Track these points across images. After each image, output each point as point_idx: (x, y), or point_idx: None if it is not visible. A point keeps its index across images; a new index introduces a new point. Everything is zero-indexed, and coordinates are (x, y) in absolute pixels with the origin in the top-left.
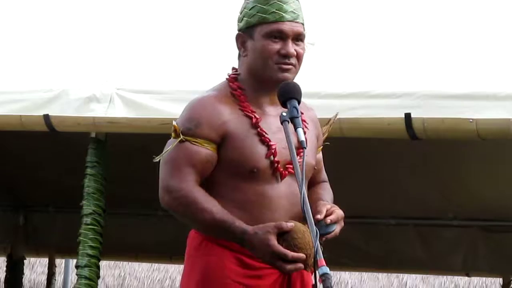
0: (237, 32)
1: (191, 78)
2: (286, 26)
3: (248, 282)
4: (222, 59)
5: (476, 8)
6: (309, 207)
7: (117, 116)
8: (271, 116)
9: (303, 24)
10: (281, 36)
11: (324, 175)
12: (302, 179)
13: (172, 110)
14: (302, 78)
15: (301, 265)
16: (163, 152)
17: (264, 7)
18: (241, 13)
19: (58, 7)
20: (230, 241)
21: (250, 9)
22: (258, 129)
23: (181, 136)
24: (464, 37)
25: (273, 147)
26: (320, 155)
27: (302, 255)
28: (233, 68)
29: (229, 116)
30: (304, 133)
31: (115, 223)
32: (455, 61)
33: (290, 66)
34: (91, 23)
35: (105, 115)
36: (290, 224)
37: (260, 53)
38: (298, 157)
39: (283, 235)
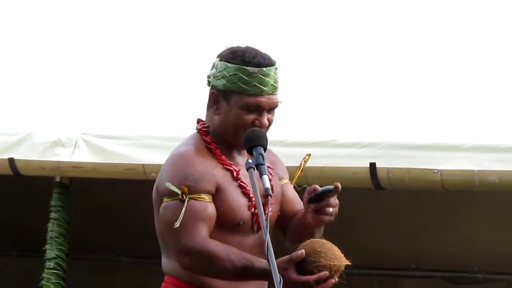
0: (210, 88)
1: (156, 124)
2: (264, 100)
3: None
4: (188, 106)
5: (439, 60)
6: (273, 256)
7: (82, 161)
8: (242, 167)
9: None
10: (258, 109)
11: (301, 204)
12: (266, 226)
13: (137, 155)
14: None
15: (330, 282)
16: (179, 219)
17: (246, 78)
18: (216, 70)
19: (22, 51)
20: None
21: (230, 74)
22: (239, 182)
23: (186, 197)
24: (429, 88)
25: (253, 199)
26: (288, 186)
27: (324, 273)
28: (200, 120)
29: (215, 170)
30: (270, 180)
31: (78, 267)
32: (420, 112)
33: None
34: (56, 68)
35: (70, 159)
36: (300, 252)
37: (234, 122)
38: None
39: (302, 262)
